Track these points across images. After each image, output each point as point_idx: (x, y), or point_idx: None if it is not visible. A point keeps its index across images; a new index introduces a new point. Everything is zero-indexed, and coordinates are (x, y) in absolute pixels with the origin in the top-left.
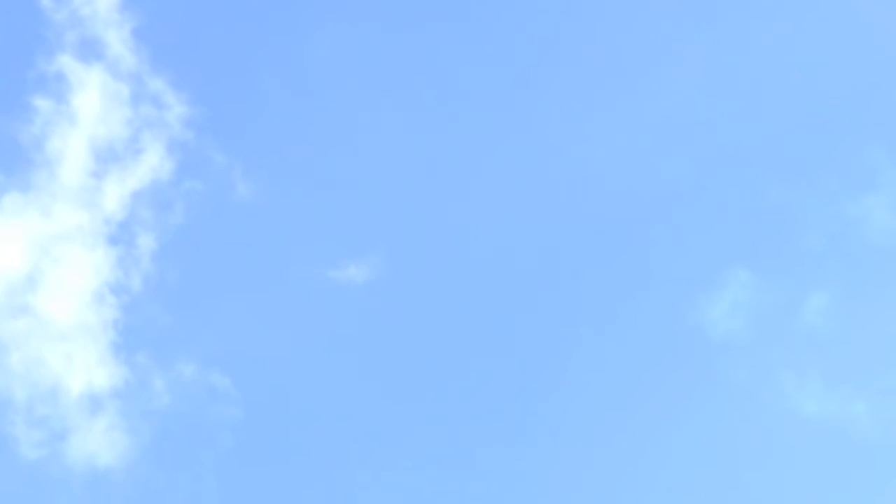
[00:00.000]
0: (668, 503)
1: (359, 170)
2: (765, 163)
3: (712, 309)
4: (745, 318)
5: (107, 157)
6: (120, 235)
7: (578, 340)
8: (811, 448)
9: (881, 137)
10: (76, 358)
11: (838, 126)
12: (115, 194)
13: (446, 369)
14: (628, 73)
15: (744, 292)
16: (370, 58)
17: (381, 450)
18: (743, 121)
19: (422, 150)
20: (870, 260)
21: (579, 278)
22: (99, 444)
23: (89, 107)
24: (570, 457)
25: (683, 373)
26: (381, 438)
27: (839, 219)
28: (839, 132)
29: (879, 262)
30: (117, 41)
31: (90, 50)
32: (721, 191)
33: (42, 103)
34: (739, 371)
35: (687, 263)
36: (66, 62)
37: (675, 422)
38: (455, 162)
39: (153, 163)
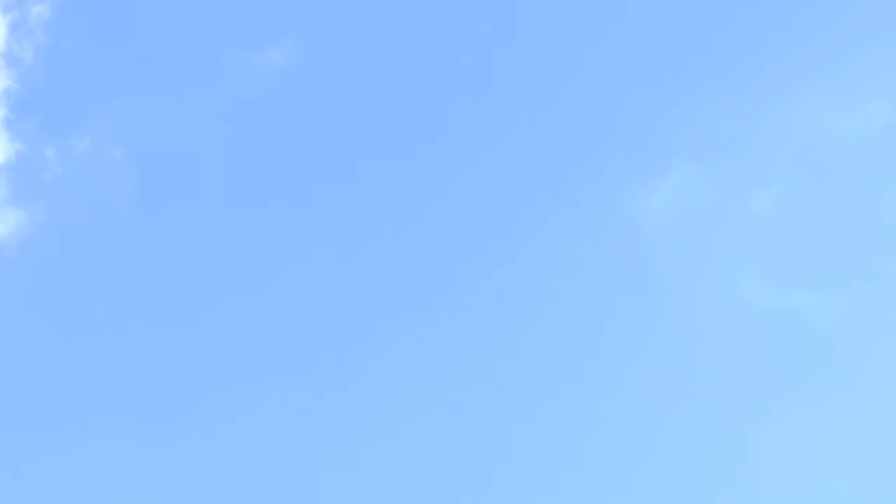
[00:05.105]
0: (607, 404)
1: None
2: (716, 60)
3: (651, 199)
4: (686, 210)
5: None
6: (13, 4)
7: (505, 218)
8: (756, 339)
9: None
10: None
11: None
12: None
13: (362, 154)
14: None
15: (685, 184)
16: None
17: (275, 232)
18: (704, 19)
19: None
20: (816, 159)
21: (508, 137)
22: None
23: None
24: (494, 349)
25: (617, 262)
26: (274, 218)
27: (787, 118)
28: (769, 35)
29: (825, 162)
30: None
31: None
32: (671, 87)
33: None
34: (677, 262)
35: (628, 152)
36: None
37: (612, 313)
38: None
39: None
